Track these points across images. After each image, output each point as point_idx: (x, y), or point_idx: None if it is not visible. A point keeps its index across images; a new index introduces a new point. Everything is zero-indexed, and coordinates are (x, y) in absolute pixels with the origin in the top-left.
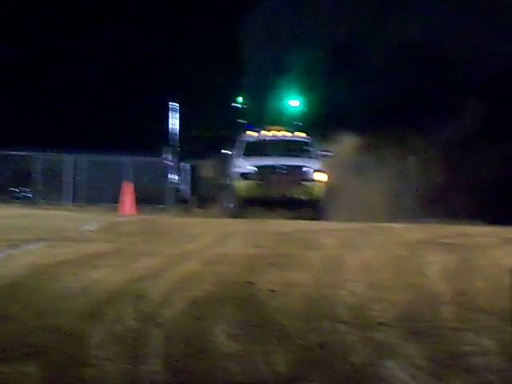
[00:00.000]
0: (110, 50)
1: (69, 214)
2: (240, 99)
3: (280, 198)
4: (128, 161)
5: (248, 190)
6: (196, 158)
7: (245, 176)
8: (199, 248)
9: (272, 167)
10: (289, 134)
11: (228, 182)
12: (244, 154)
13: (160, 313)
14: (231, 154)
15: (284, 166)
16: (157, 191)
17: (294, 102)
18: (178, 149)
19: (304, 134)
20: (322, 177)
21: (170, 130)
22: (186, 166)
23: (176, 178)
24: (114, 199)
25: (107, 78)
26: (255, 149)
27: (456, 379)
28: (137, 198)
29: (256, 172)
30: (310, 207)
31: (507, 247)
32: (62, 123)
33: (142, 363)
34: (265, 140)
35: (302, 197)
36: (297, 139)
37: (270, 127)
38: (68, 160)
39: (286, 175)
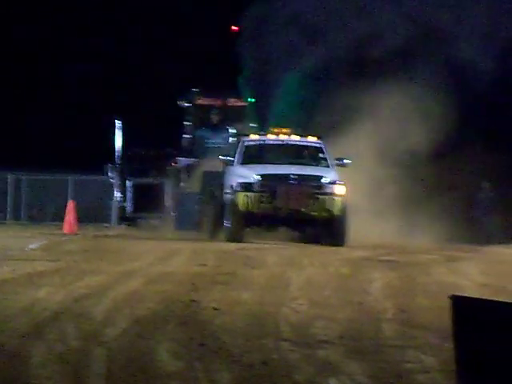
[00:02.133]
0: (52, 66)
1: (12, 233)
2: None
3: (290, 215)
4: (72, 179)
5: (248, 204)
6: (140, 175)
7: (245, 187)
8: (142, 266)
9: (280, 177)
10: (299, 138)
11: (223, 196)
12: (243, 161)
13: (103, 332)
14: (226, 162)
15: (296, 175)
16: (101, 209)
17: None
18: (122, 166)
19: (315, 138)
20: (341, 190)
21: (113, 147)
22: (129, 183)
23: (119, 195)
24: (58, 218)
25: (51, 95)
26: (257, 155)
27: None
28: (80, 216)
29: (259, 182)
30: (327, 228)
31: (449, 265)
32: (5, 142)
33: (84, 383)
34: (269, 144)
35: (319, 214)
36: (309, 144)
37: (275, 129)
38: (11, 179)
39: (299, 187)
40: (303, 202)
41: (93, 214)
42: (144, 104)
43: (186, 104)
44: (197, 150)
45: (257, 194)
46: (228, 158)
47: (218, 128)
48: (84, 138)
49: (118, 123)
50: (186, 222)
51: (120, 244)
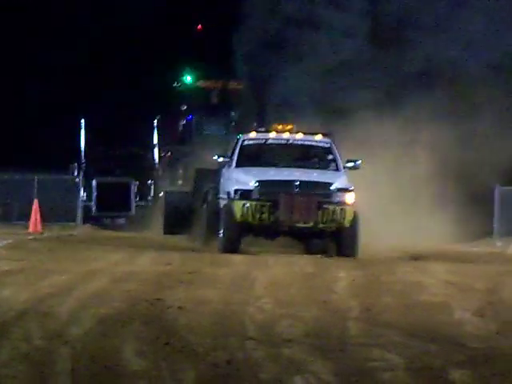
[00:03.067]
0: (19, 64)
1: None
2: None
3: (293, 229)
4: (37, 179)
5: (246, 214)
6: (105, 174)
7: (242, 194)
8: (107, 265)
9: (283, 183)
10: (305, 136)
11: (217, 200)
12: (241, 163)
13: (67, 331)
14: (221, 163)
15: (302, 182)
16: (66, 209)
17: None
18: (87, 165)
19: (321, 136)
20: (352, 198)
21: (78, 146)
22: (93, 182)
23: (85, 195)
24: (23, 217)
25: (16, 94)
26: (257, 156)
27: None
28: (45, 216)
29: (259, 189)
30: (336, 239)
31: (415, 263)
32: None
33: (49, 382)
34: (271, 144)
35: (327, 226)
36: (316, 143)
37: (276, 126)
38: None
39: (305, 197)
40: (310, 214)
41: (58, 214)
42: (110, 103)
43: (183, 86)
44: (194, 139)
45: (256, 203)
46: (224, 157)
47: (219, 113)
48: (49, 138)
49: (82, 122)
50: (176, 227)
51: (85, 243)
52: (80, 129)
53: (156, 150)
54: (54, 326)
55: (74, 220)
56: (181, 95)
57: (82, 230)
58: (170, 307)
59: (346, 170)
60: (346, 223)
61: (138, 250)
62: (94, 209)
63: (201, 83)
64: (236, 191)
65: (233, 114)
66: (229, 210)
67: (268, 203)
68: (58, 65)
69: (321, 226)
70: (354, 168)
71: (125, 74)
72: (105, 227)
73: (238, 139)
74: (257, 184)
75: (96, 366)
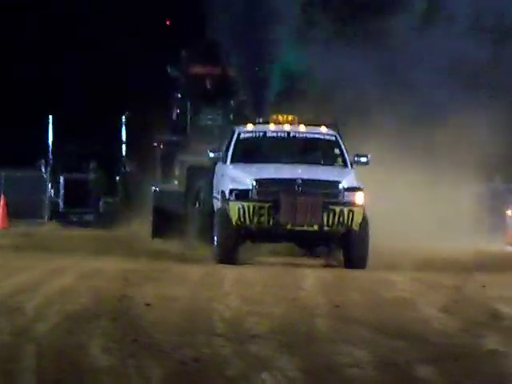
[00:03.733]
0: None
1: None
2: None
3: (296, 232)
4: (4, 175)
5: (243, 217)
6: (73, 171)
7: (239, 194)
8: (74, 262)
9: (285, 182)
10: (308, 128)
11: (211, 201)
12: (237, 159)
13: (34, 327)
14: (214, 159)
15: (306, 180)
16: (33, 205)
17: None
18: (55, 162)
19: (326, 128)
20: (362, 198)
21: (46, 143)
22: (61, 179)
23: (52, 191)
24: None
25: None
26: (255, 150)
27: None
28: (12, 212)
29: (258, 189)
30: (344, 246)
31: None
32: None
33: (15, 378)
34: (270, 137)
35: (334, 230)
36: (321, 136)
37: (275, 117)
38: None
39: (309, 197)
40: (314, 216)
41: (25, 210)
42: (78, 98)
43: (177, 72)
44: (190, 129)
45: (254, 204)
46: (218, 152)
47: (217, 102)
48: (16, 134)
49: (50, 118)
50: (166, 230)
51: (52, 240)
52: (48, 125)
53: (124, 147)
54: (21, 322)
55: (41, 216)
56: (173, 82)
57: (49, 226)
58: (137, 304)
59: (354, 166)
60: (355, 226)
61: (106, 247)
62: (61, 205)
63: (194, 69)
64: (231, 191)
65: (232, 103)
66: (223, 213)
67: (267, 204)
68: (25, 57)
69: (327, 229)
70: (364, 163)
71: (97, 69)
72: (72, 224)
73: (232, 132)
74: (255, 183)
75: (62, 362)
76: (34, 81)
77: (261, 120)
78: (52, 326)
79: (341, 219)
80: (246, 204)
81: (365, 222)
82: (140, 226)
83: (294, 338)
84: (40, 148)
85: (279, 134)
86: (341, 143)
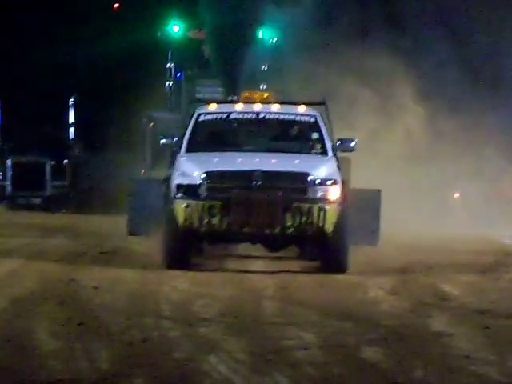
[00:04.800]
0: None
1: None
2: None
3: (254, 235)
4: None
5: (189, 218)
6: (21, 154)
7: (186, 191)
8: (21, 245)
9: (240, 175)
10: (282, 108)
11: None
12: (192, 147)
13: None
14: (171, 147)
15: (266, 172)
16: None
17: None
18: (2, 144)
19: (305, 108)
20: (337, 193)
21: None
22: (9, 162)
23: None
24: None
25: None
26: (215, 136)
27: (278, 373)
28: None
29: (207, 184)
30: (318, 248)
31: None
32: None
33: None
34: (235, 119)
35: (302, 232)
36: (297, 118)
37: (246, 93)
38: None
39: (268, 193)
40: (274, 217)
41: None
42: (26, 79)
43: (167, 37)
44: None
45: (202, 203)
46: (173, 139)
47: (214, 73)
48: None
49: None
50: (143, 225)
51: None
52: None
53: (72, 129)
54: None
55: None
56: (165, 48)
57: None
58: (84, 287)
59: (335, 153)
60: (328, 227)
61: (53, 231)
62: (9, 188)
63: (191, 34)
64: (178, 187)
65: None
66: (169, 212)
67: (218, 203)
68: None
69: (291, 231)
70: (348, 149)
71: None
72: (20, 207)
73: (192, 114)
74: (204, 176)
75: (9, 346)
76: None
77: (235, 98)
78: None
79: (309, 219)
80: (193, 202)
81: (342, 222)
82: (89, 210)
83: (242, 321)
84: None
85: (246, 116)
86: (321, 126)
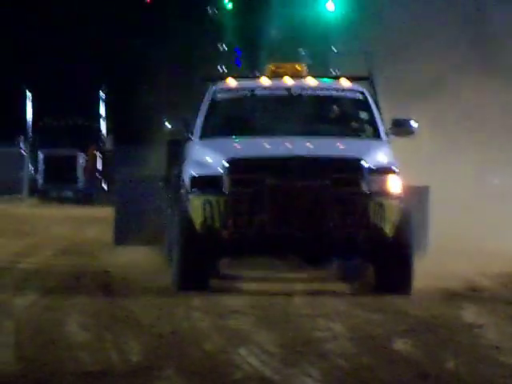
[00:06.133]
0: None
1: None
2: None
3: (292, 239)
4: None
5: (208, 219)
6: (52, 146)
7: (202, 184)
8: (53, 238)
9: (273, 163)
10: (321, 83)
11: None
12: (208, 132)
13: (12, 303)
14: (179, 133)
15: (305, 159)
16: (12, 181)
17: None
18: (34, 138)
19: (348, 82)
20: (398, 185)
21: (25, 118)
22: (40, 155)
23: (31, 167)
24: None
25: None
26: (233, 119)
27: (308, 365)
28: None
29: (231, 176)
30: (374, 260)
31: None
32: None
33: None
34: (261, 97)
35: (353, 236)
36: (340, 94)
37: (273, 67)
38: None
39: (311, 183)
40: (320, 215)
41: (4, 186)
42: (56, 73)
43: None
44: None
45: (226, 198)
46: (184, 124)
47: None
48: None
49: (28, 93)
50: (134, 233)
51: (31, 216)
52: (25, 100)
53: (103, 121)
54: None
55: (20, 193)
56: (218, 25)
57: (29, 202)
58: (115, 279)
59: (390, 137)
60: (388, 229)
61: (86, 224)
62: (40, 182)
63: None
64: (194, 180)
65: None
66: (182, 213)
67: (246, 198)
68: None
69: (340, 234)
70: (407, 133)
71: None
72: (52, 200)
73: (207, 91)
74: (227, 165)
75: (40, 338)
76: (8, 56)
77: (257, 74)
78: (29, 301)
79: (364, 219)
80: (214, 199)
81: (405, 221)
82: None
83: (272, 313)
84: (18, 124)
85: (275, 93)
86: (371, 103)
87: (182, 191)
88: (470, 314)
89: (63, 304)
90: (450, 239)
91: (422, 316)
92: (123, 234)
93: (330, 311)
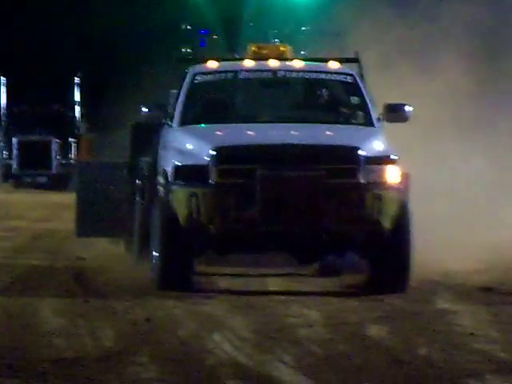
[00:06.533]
0: None
1: None
2: None
3: (286, 234)
4: None
5: (195, 213)
6: (27, 132)
7: (187, 175)
8: (27, 223)
9: (264, 151)
10: (308, 65)
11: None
12: (184, 119)
13: None
14: (158, 118)
15: (300, 147)
16: None
17: None
18: (7, 123)
19: (337, 64)
20: (397, 175)
21: None
22: (14, 140)
23: (5, 153)
24: None
25: None
26: (215, 104)
27: (281, 351)
28: None
29: (216, 164)
30: (371, 258)
31: None
32: None
33: None
34: (242, 80)
35: (351, 230)
36: (329, 76)
37: (256, 48)
38: None
39: (307, 172)
40: (316, 208)
41: None
42: (30, 59)
43: None
44: None
45: (214, 190)
46: (160, 108)
47: None
48: None
49: (3, 79)
50: (97, 224)
51: (4, 201)
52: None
53: (77, 107)
54: None
55: None
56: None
57: (3, 188)
58: (91, 265)
59: (382, 123)
60: (387, 222)
61: (61, 208)
62: (14, 167)
63: None
64: (177, 170)
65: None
66: (164, 207)
67: (235, 190)
68: None
69: (337, 229)
70: (401, 120)
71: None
72: (26, 186)
73: (185, 74)
74: (214, 154)
75: (13, 324)
76: None
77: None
78: (2, 287)
79: (362, 211)
80: (200, 191)
81: (404, 214)
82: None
83: (245, 299)
84: None
85: (259, 75)
86: (362, 87)
87: (161, 181)
88: (444, 300)
89: (36, 290)
90: (425, 227)
91: (397, 303)
92: (86, 226)
93: (305, 298)
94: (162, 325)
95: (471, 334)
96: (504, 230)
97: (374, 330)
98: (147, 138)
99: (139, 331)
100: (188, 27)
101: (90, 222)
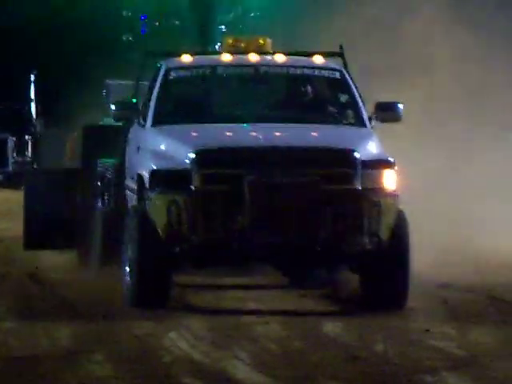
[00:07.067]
0: None
1: None
2: None
3: (277, 247)
4: None
5: (175, 223)
6: None
7: (166, 181)
8: None
9: (251, 154)
10: (291, 59)
11: (119, 195)
12: (158, 118)
13: None
14: (128, 117)
15: (290, 149)
16: None
17: None
18: None
19: (322, 59)
20: (393, 181)
21: None
22: None
23: None
24: None
25: None
26: (191, 101)
27: (238, 348)
28: None
29: (198, 168)
30: (367, 272)
31: None
32: None
33: None
34: (219, 75)
35: (348, 244)
36: (314, 72)
37: (233, 41)
38: None
39: (299, 178)
40: (308, 219)
41: None
42: None
43: None
44: None
45: (196, 198)
46: (130, 107)
47: None
48: None
49: None
50: (47, 235)
51: None
52: None
53: (33, 105)
54: None
55: None
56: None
57: None
58: (46, 265)
59: (374, 123)
60: (384, 233)
61: (16, 206)
62: None
63: None
64: (154, 176)
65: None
66: (141, 216)
67: (220, 197)
68: None
69: (333, 241)
70: (393, 119)
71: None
72: None
73: (157, 69)
74: (196, 157)
75: None
76: None
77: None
78: None
79: (357, 221)
80: (180, 198)
81: (401, 224)
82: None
83: (201, 298)
84: None
85: (240, 70)
86: (351, 84)
87: (133, 186)
88: None
89: None
90: None
91: (352, 300)
92: (34, 237)
93: (262, 295)
94: (119, 323)
95: (427, 330)
96: (466, 229)
97: (330, 327)
98: (101, 140)
99: (96, 329)
100: (129, 14)
101: (35, 233)
